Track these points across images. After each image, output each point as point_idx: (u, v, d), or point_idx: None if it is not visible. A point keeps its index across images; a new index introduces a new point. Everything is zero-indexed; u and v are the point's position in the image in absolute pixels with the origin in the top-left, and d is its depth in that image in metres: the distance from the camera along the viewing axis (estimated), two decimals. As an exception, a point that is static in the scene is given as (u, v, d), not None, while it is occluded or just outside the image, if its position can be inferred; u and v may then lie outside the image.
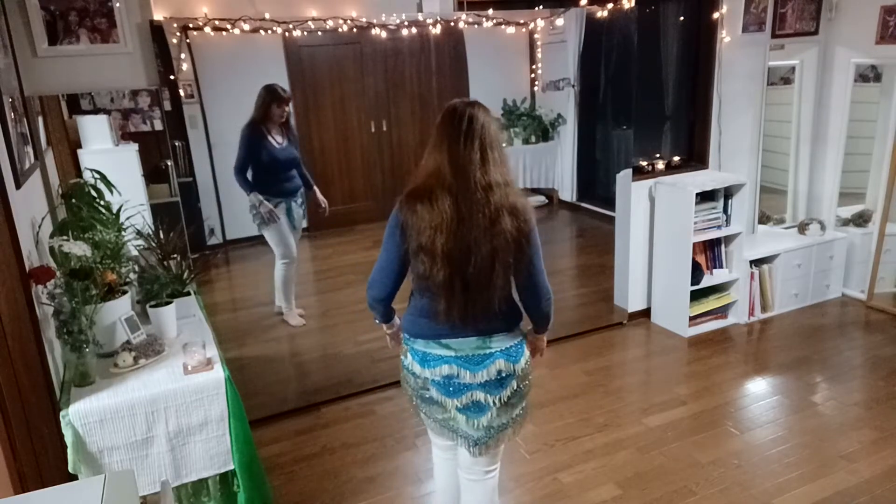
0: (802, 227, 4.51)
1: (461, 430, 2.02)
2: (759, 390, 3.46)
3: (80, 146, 2.96)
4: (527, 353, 2.03)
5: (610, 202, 4.23)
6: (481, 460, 2.09)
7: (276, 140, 3.75)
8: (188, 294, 2.65)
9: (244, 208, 4.04)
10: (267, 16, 3.09)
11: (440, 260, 1.82)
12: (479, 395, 1.96)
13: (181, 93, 3.15)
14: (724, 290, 4.24)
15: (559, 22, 4.38)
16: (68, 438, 2.00)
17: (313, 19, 3.18)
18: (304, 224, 4.07)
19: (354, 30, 3.29)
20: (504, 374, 1.96)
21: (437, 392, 1.99)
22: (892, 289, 4.43)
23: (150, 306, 2.45)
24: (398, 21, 3.36)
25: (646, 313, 4.36)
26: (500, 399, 1.98)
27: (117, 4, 2.76)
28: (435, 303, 1.89)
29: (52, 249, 2.19)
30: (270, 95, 3.68)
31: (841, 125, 4.44)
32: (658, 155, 4.32)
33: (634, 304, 4.34)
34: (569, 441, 3.03)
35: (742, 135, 4.42)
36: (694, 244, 3.95)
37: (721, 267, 4.17)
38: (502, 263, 1.85)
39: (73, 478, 2.02)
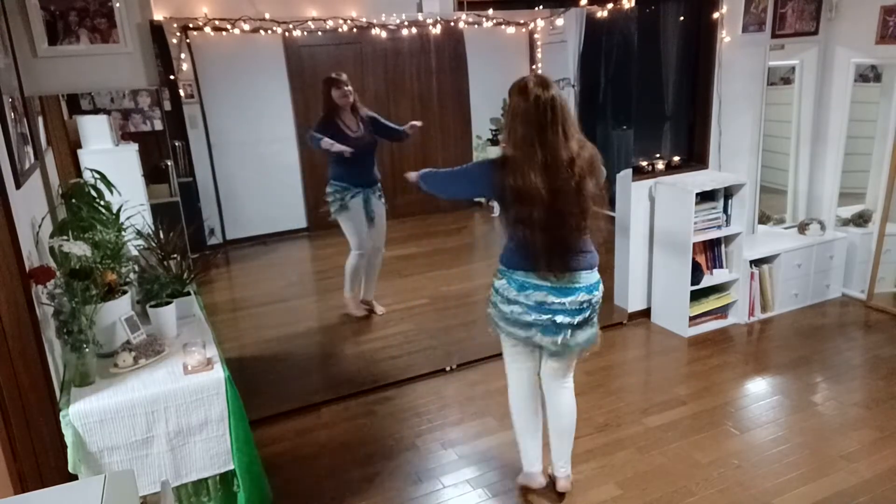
0: (802, 227, 4.51)
1: (541, 342, 2.41)
2: (759, 390, 3.46)
3: (80, 146, 2.96)
4: (601, 287, 2.45)
5: (610, 202, 4.23)
6: (559, 372, 2.53)
7: (350, 128, 3.77)
8: (188, 294, 2.65)
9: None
10: (267, 16, 3.09)
11: (538, 227, 2.22)
12: (560, 318, 2.34)
13: (181, 93, 3.15)
14: (724, 290, 4.24)
15: (559, 22, 4.38)
16: (68, 438, 2.00)
17: (313, 19, 3.18)
18: (384, 212, 4.11)
19: (354, 30, 3.29)
20: (583, 304, 2.37)
21: (534, 314, 2.35)
22: (892, 289, 4.43)
23: (150, 306, 2.45)
24: (398, 21, 3.36)
25: (646, 313, 4.36)
26: (575, 322, 2.37)
27: (117, 4, 2.76)
28: (534, 254, 2.28)
29: (52, 249, 2.19)
30: (327, 84, 3.74)
31: (841, 125, 4.44)
32: (658, 155, 4.32)
33: (634, 304, 4.34)
34: (569, 441, 3.03)
35: (742, 135, 4.41)
36: (694, 244, 3.94)
37: (721, 267, 4.17)
38: (590, 219, 2.29)
39: (73, 478, 2.02)
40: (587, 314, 2.40)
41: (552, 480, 2.71)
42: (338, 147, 3.73)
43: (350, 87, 3.77)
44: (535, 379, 2.59)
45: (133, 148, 3.09)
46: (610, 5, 3.74)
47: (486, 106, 5.00)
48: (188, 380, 2.15)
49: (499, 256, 2.43)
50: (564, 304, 2.34)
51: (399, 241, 4.38)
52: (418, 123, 3.94)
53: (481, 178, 2.35)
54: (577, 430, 3.06)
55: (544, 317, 2.35)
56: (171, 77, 2.99)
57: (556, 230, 2.25)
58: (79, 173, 2.90)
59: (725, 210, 4.03)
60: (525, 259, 2.33)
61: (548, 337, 2.38)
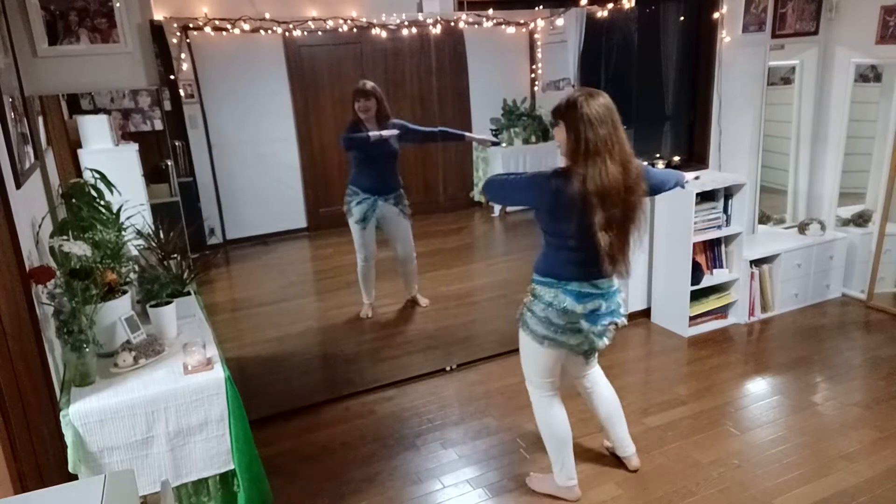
0: (802, 227, 4.51)
1: (593, 347, 2.53)
2: (759, 390, 3.46)
3: (80, 146, 2.96)
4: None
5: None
6: (589, 364, 2.71)
7: (371, 135, 3.80)
8: (188, 294, 2.65)
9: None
10: (267, 16, 3.09)
11: (593, 229, 2.26)
12: (610, 320, 2.46)
13: (181, 93, 3.15)
14: (725, 290, 4.24)
15: (559, 22, 4.38)
16: (68, 438, 2.00)
17: (313, 19, 3.18)
18: (405, 223, 4.14)
19: (354, 30, 3.29)
20: (621, 302, 2.51)
21: (584, 322, 2.42)
22: (892, 289, 4.43)
23: (150, 306, 2.45)
24: (398, 21, 3.36)
25: (646, 313, 4.36)
26: (614, 322, 2.50)
27: (117, 4, 2.75)
28: (588, 257, 2.33)
29: (52, 249, 2.19)
30: (353, 93, 3.78)
31: (841, 125, 4.44)
32: (658, 155, 4.32)
33: (634, 304, 4.34)
34: (569, 441, 3.03)
35: (742, 135, 4.41)
36: (694, 244, 3.94)
37: (721, 267, 4.17)
38: (638, 221, 2.34)
39: (73, 478, 2.02)
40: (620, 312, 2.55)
41: (625, 463, 2.84)
42: (376, 134, 3.77)
43: (373, 101, 3.79)
44: (558, 388, 2.65)
45: (133, 148, 3.09)
46: (610, 5, 3.74)
47: (487, 106, 5.00)
48: (188, 380, 2.16)
49: (539, 269, 2.45)
50: (612, 307, 2.45)
51: (399, 241, 4.38)
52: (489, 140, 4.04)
53: (539, 191, 2.34)
54: (577, 430, 3.08)
55: (601, 325, 2.44)
56: (171, 77, 2.99)
57: (626, 226, 2.32)
58: (79, 173, 2.90)
59: (725, 210, 4.03)
60: (582, 267, 2.36)
61: (601, 340, 2.50)
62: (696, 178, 3.03)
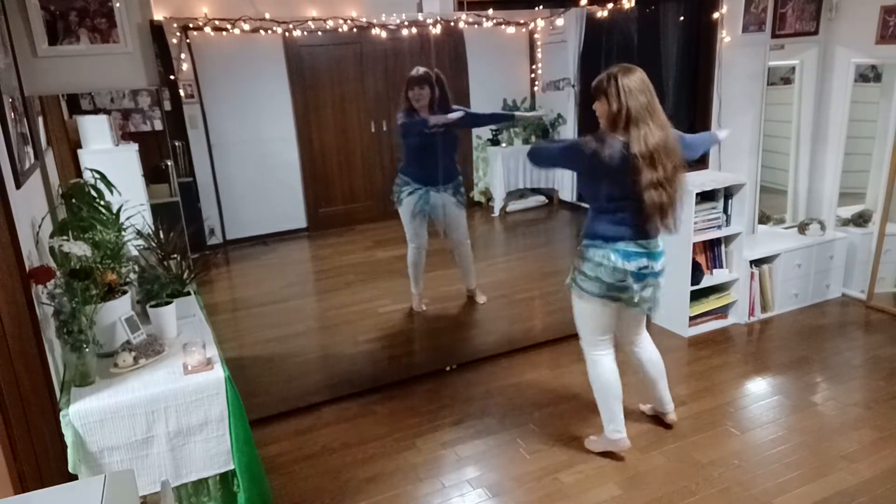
0: (802, 227, 4.51)
1: (641, 300, 2.69)
2: (759, 390, 3.46)
3: (80, 146, 2.96)
4: None
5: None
6: (640, 324, 2.92)
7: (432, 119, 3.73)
8: (188, 294, 2.65)
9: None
10: (267, 16, 3.09)
11: (653, 189, 2.47)
12: (652, 281, 2.66)
13: (181, 93, 3.15)
14: (725, 290, 4.24)
15: (559, 22, 4.38)
16: (68, 438, 2.00)
17: (313, 19, 3.18)
18: (459, 212, 4.09)
19: (354, 30, 3.29)
20: (663, 265, 2.69)
21: (631, 279, 2.62)
22: (892, 289, 4.43)
23: (150, 306, 2.45)
24: (398, 21, 3.36)
25: (646, 313, 4.36)
26: (660, 282, 2.71)
27: (117, 4, 2.75)
28: (633, 218, 2.56)
29: (52, 249, 2.19)
30: (406, 82, 3.73)
31: (841, 125, 4.44)
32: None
33: (634, 304, 4.33)
34: (569, 441, 3.03)
35: (742, 135, 4.41)
36: (694, 244, 3.94)
37: (721, 267, 4.17)
38: (681, 180, 2.54)
39: (73, 478, 2.02)
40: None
41: (663, 419, 3.11)
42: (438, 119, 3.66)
43: (427, 88, 3.72)
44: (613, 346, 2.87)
45: (133, 148, 3.09)
46: (610, 5, 3.74)
47: (486, 106, 5.00)
48: (188, 380, 2.16)
49: (588, 233, 2.68)
50: (656, 267, 2.64)
51: (399, 241, 4.38)
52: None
53: (579, 154, 2.60)
54: (578, 430, 3.08)
55: (645, 281, 2.64)
56: (171, 77, 2.99)
57: (673, 185, 2.51)
58: (79, 173, 2.90)
59: (725, 210, 4.03)
60: (628, 228, 2.58)
61: (646, 293, 2.67)
62: (728, 133, 3.27)
